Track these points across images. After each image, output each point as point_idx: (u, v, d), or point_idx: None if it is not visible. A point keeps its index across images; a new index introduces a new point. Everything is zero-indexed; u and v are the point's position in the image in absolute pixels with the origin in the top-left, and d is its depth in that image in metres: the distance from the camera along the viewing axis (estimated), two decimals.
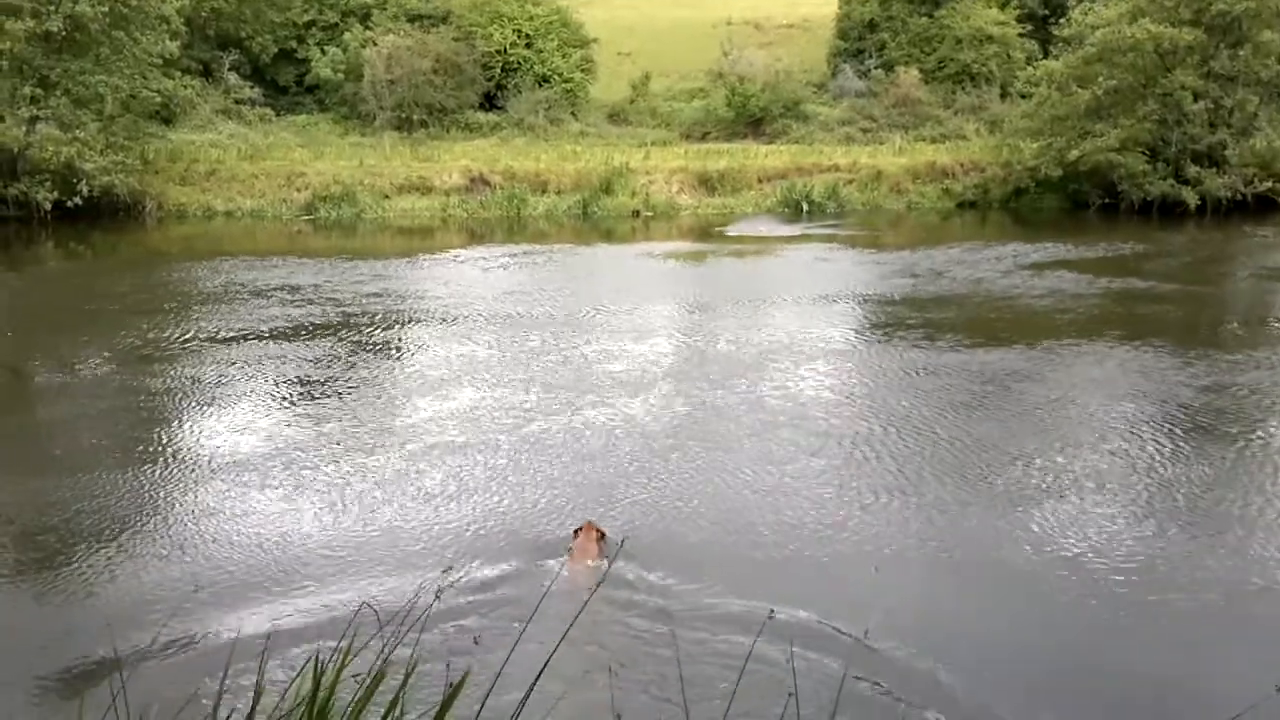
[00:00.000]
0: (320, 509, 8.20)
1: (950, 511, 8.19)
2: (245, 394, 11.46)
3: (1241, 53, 29.06)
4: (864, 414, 10.65)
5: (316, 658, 3.39)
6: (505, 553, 7.32)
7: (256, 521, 7.98)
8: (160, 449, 9.85)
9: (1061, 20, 33.85)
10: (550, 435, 9.92)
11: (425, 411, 10.79)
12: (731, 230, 26.23)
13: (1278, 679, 5.58)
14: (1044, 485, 8.71)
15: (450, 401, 11.13)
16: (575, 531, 7.21)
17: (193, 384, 11.91)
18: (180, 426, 10.56)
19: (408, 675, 3.60)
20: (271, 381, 11.98)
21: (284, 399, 11.35)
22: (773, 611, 5.80)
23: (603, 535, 7.10)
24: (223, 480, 8.85)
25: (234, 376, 12.14)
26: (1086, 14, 31.64)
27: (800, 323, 15.16)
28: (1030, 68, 35.32)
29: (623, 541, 6.95)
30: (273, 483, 8.79)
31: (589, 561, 6.83)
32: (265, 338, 14.08)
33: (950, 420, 10.46)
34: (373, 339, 14.12)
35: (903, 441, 9.79)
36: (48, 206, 25.23)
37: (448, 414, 10.67)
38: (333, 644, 3.64)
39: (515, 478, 8.84)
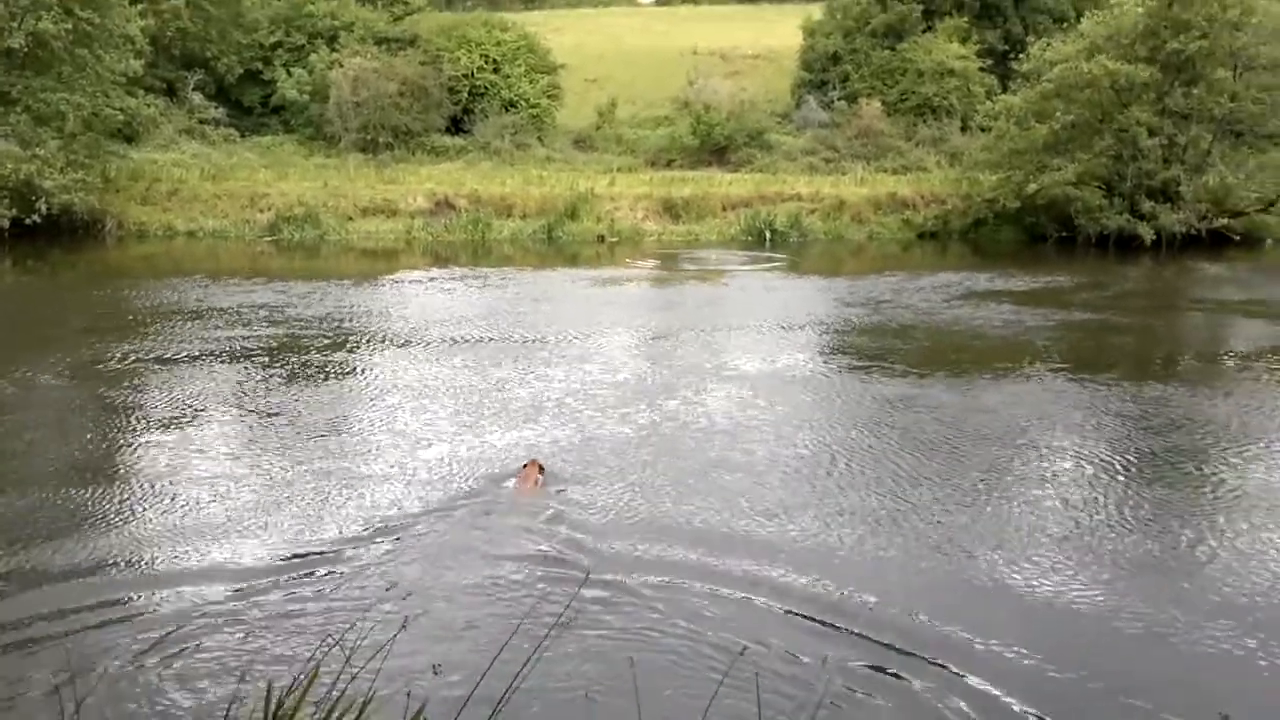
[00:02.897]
0: (267, 530, 8.22)
1: (866, 528, 8.33)
2: (192, 413, 11.45)
3: (1195, 90, 29.72)
4: (787, 438, 10.80)
5: (269, 689, 3.40)
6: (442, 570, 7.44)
7: (194, 542, 7.96)
8: (106, 467, 9.82)
9: (1021, 56, 34.45)
10: (474, 457, 10.06)
11: (362, 433, 10.90)
12: (694, 257, 26.40)
13: (1221, 707, 5.73)
14: (964, 504, 8.84)
15: (387, 424, 11.23)
16: (523, 466, 9.16)
17: (142, 403, 11.88)
18: (128, 445, 10.50)
19: (365, 702, 3.62)
20: (218, 400, 12.00)
21: (227, 418, 11.38)
22: (745, 648, 5.88)
23: (542, 469, 9.09)
24: (165, 500, 8.82)
25: (183, 396, 12.12)
26: (1045, 50, 32.24)
27: (741, 350, 15.32)
28: (990, 102, 35.91)
29: (588, 575, 6.96)
30: (210, 501, 8.80)
31: (531, 485, 8.89)
32: (216, 358, 14.08)
33: (879, 447, 10.62)
34: (323, 361, 14.14)
35: (825, 468, 9.95)
36: (5, 224, 24.95)
37: (380, 436, 10.78)
38: (292, 673, 3.65)
39: (423, 495, 9.02)
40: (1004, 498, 9.22)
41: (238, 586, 7.18)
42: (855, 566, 7.77)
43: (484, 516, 8.45)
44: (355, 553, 7.74)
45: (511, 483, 9.09)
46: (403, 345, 15.35)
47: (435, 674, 5.76)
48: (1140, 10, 30.35)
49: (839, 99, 42.25)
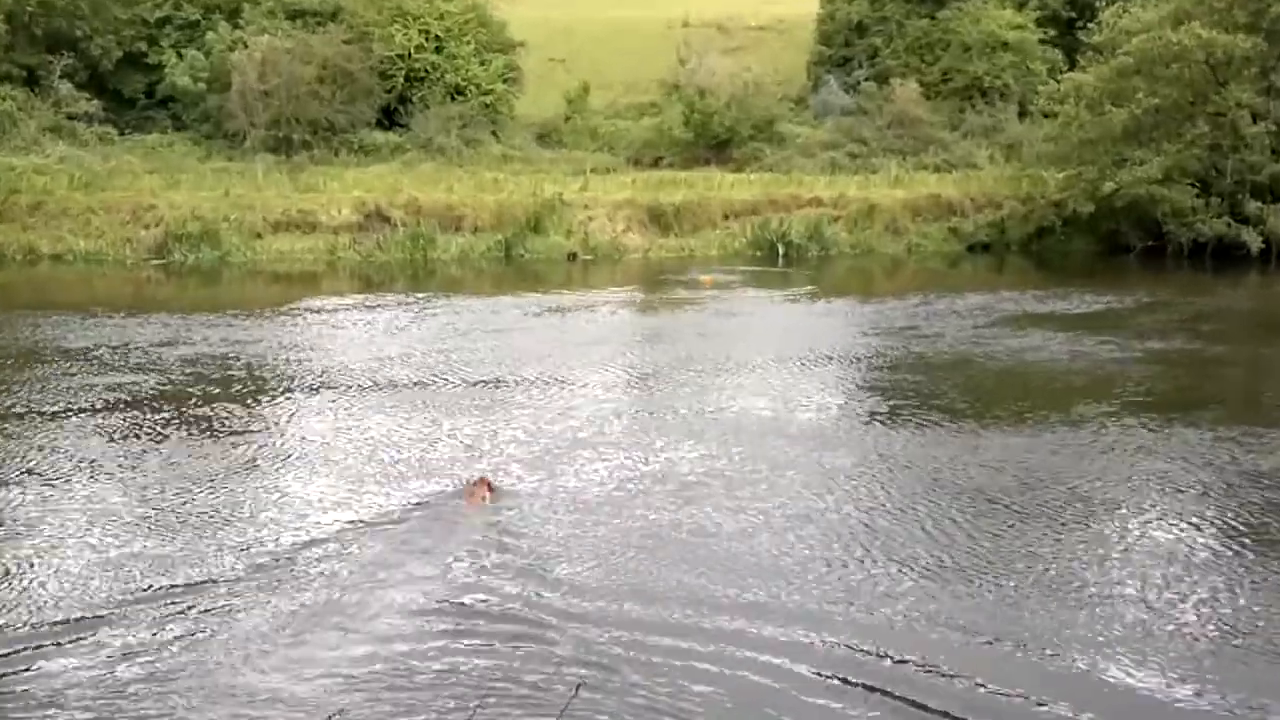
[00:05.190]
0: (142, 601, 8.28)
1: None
2: (54, 475, 11.46)
3: None
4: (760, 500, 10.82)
5: None
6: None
7: (71, 611, 8.05)
8: None
9: (1091, 24, 34.83)
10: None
11: (251, 500, 10.96)
12: (688, 279, 26.49)
13: None
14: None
15: (284, 487, 11.34)
16: (470, 482, 10.85)
17: None
18: None
19: None
20: (84, 460, 11.99)
21: (96, 480, 11.39)
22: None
23: (490, 486, 10.75)
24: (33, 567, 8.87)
25: (42, 455, 12.13)
26: (1120, 16, 32.56)
27: (744, 393, 15.31)
28: (1054, 81, 36.18)
29: (577, 688, 6.95)
30: (75, 570, 8.85)
31: (478, 501, 10.52)
32: (85, 411, 14.05)
33: (912, 511, 10.59)
34: (214, 413, 14.12)
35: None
36: None
37: (273, 504, 10.85)
38: None
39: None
40: (1061, 578, 9.15)
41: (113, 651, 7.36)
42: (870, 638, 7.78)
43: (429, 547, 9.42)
44: (259, 621, 7.81)
45: (460, 500, 10.57)
46: (315, 390, 15.32)
47: None
48: None
49: (866, 80, 42.66)
